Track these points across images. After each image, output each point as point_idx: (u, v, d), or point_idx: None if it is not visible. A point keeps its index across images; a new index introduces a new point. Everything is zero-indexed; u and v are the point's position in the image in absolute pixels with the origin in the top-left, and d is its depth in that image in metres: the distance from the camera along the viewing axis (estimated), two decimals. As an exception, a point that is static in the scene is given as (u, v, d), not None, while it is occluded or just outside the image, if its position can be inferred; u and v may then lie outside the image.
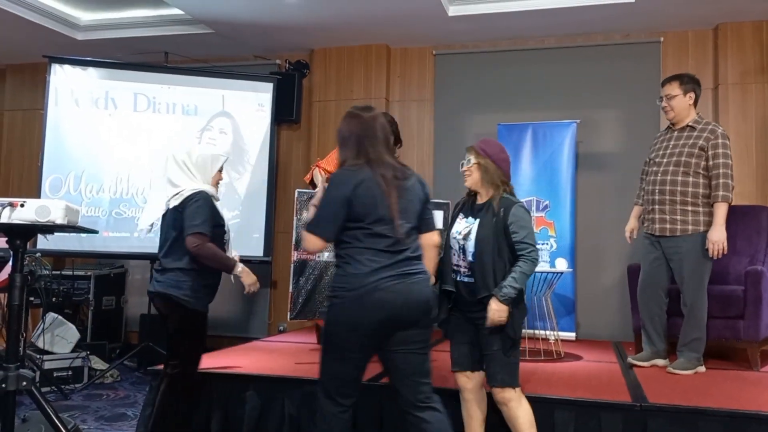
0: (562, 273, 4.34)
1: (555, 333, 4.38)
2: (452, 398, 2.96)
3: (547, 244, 5.00)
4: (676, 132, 3.84)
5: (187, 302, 2.82)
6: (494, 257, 2.60)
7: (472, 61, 5.84)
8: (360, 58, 5.94)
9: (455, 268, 2.75)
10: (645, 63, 5.39)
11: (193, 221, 2.77)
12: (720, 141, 3.67)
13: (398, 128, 4.21)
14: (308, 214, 2.48)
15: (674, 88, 3.80)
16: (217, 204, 2.98)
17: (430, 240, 2.52)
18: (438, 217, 4.22)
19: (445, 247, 2.81)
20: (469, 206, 2.80)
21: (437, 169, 5.82)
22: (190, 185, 2.89)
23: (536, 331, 4.39)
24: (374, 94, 5.83)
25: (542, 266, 4.39)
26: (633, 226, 4.09)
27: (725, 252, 3.63)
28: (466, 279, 2.70)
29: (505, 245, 2.61)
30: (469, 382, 2.79)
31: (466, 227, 2.72)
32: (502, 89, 5.71)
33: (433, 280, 2.58)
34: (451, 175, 5.78)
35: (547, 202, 5.21)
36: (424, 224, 2.50)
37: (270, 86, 5.70)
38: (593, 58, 5.53)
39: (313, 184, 4.32)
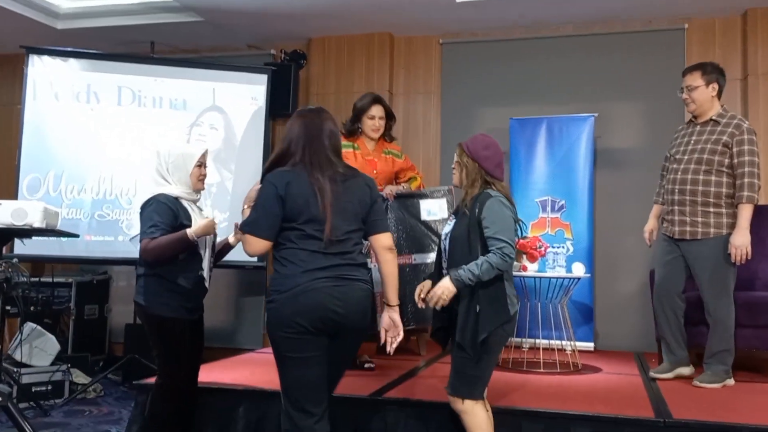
0: (579, 278, 4.34)
1: (572, 343, 4.38)
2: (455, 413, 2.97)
3: (563, 247, 4.98)
4: (698, 126, 3.82)
5: (147, 307, 2.93)
6: (464, 255, 2.63)
7: (481, 50, 5.83)
8: (361, 47, 5.94)
9: (444, 272, 2.79)
10: (668, 52, 5.38)
11: (143, 228, 2.89)
12: (746, 137, 3.65)
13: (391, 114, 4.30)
14: (243, 215, 2.53)
15: (696, 79, 3.77)
16: (188, 204, 3.02)
17: (378, 242, 2.54)
18: (442, 205, 4.23)
19: (437, 253, 2.90)
20: (459, 206, 2.85)
21: (444, 168, 5.81)
22: (158, 189, 2.97)
23: (552, 342, 4.38)
24: (377, 86, 5.83)
25: (558, 271, 4.39)
26: (652, 226, 4.08)
27: (749, 257, 3.62)
28: None
29: (477, 242, 2.63)
30: None
31: (449, 228, 2.81)
32: (514, 81, 5.70)
33: (393, 284, 2.55)
34: (459, 173, 5.77)
35: (562, 202, 5.20)
36: (370, 226, 2.53)
37: (264, 78, 5.70)
38: (612, 47, 5.52)
39: None
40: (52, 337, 4.82)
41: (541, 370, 4.11)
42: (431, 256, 4.10)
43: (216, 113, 5.61)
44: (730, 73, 5.21)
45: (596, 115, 5.26)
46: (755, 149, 3.66)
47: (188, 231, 2.87)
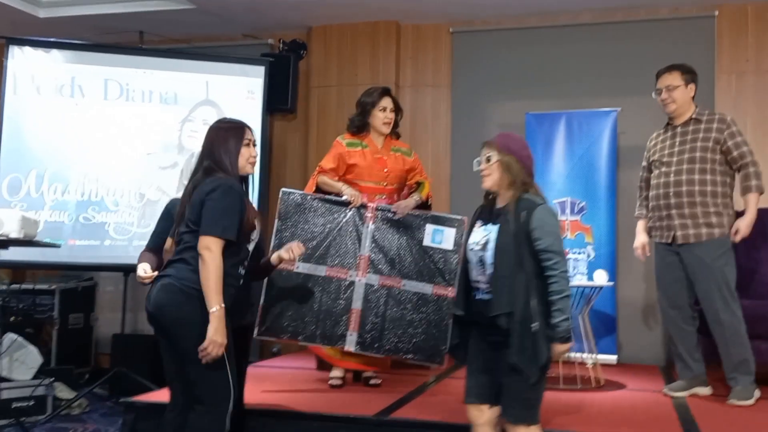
0: (601, 287, 4.28)
1: (593, 356, 4.32)
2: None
3: (583, 253, 4.92)
4: (678, 128, 3.92)
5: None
6: (514, 269, 2.56)
7: (495, 40, 5.78)
8: (365, 36, 5.90)
9: (474, 284, 2.71)
10: (697, 41, 5.31)
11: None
12: (735, 129, 3.79)
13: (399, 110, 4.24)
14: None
15: (676, 78, 3.88)
16: None
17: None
18: (449, 235, 3.93)
19: (462, 263, 2.80)
20: (487, 211, 2.77)
21: (455, 166, 5.76)
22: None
23: (572, 355, 4.32)
24: (382, 78, 5.77)
25: (579, 279, 4.33)
26: (644, 240, 4.12)
27: (745, 237, 3.75)
28: (485, 296, 2.65)
29: (527, 254, 2.56)
30: (481, 417, 2.72)
31: (484, 236, 2.69)
32: (530, 73, 5.65)
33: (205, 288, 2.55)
34: (470, 173, 5.68)
35: (583, 203, 5.15)
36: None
37: (261, 70, 5.65)
38: (636, 36, 5.46)
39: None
40: (34, 349, 4.79)
41: (561, 386, 4.06)
42: (424, 287, 3.87)
43: (209, 108, 5.56)
44: (765, 64, 5.19)
45: (619, 109, 5.20)
46: (745, 139, 3.81)
47: None
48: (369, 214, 3.95)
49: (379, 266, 3.90)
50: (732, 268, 3.77)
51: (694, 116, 3.88)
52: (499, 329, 2.59)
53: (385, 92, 4.16)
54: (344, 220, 3.93)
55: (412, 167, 4.23)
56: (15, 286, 5.34)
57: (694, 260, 3.76)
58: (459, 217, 3.97)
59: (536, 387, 2.59)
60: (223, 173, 2.67)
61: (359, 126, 4.14)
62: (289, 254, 2.95)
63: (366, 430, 3.26)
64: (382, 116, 4.10)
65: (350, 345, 3.83)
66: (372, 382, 4.06)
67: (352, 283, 3.89)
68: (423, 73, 5.93)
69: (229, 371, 2.58)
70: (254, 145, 2.83)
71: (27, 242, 2.48)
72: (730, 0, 5.24)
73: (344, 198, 3.94)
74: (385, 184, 4.11)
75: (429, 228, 3.95)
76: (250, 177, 2.87)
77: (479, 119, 5.74)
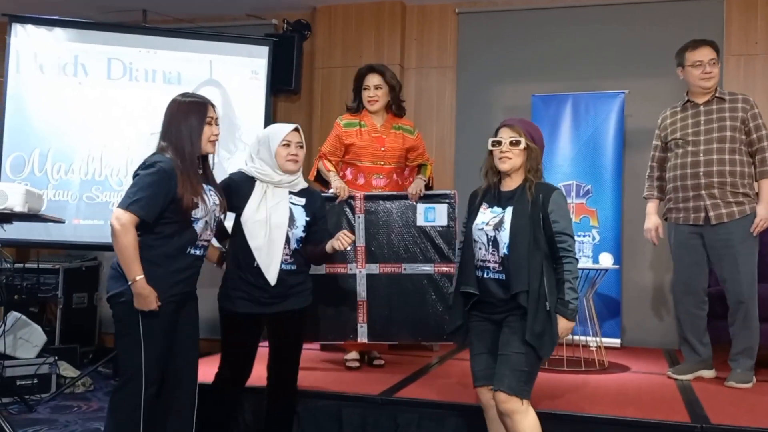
0: (606, 270, 4.27)
1: (597, 339, 4.32)
2: (474, 416, 2.92)
3: (588, 236, 4.91)
4: (702, 107, 3.84)
5: None
6: (531, 249, 2.64)
7: (501, 21, 5.73)
8: (370, 17, 5.85)
9: (481, 264, 2.75)
10: (705, 23, 5.26)
11: None
12: (757, 110, 3.77)
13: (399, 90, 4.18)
14: None
15: (713, 53, 3.82)
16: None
17: None
18: (441, 211, 3.95)
19: (464, 243, 2.83)
20: (493, 194, 2.81)
21: (459, 147, 5.75)
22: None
23: (576, 338, 4.32)
24: (387, 59, 5.73)
25: (584, 262, 4.32)
26: (657, 222, 4.06)
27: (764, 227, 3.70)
28: (496, 275, 2.71)
29: (542, 236, 2.67)
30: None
31: (493, 217, 2.74)
32: (536, 54, 5.61)
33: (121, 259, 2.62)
34: (475, 154, 5.67)
35: (588, 186, 5.12)
36: None
37: (265, 50, 5.60)
38: (644, 18, 5.41)
39: (320, 180, 4.20)
40: (38, 328, 4.80)
41: (565, 368, 4.05)
42: (424, 267, 3.92)
43: (213, 88, 5.53)
44: (774, 47, 5.14)
45: (626, 92, 5.16)
46: (765, 123, 3.79)
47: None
48: (358, 205, 3.94)
49: (377, 254, 3.91)
50: (756, 250, 3.74)
51: (717, 95, 3.82)
52: (504, 307, 2.67)
53: (370, 69, 4.10)
54: (335, 215, 3.90)
55: (413, 146, 4.16)
56: (19, 265, 5.34)
57: (722, 240, 3.70)
58: (449, 191, 4.01)
59: (537, 364, 2.66)
60: (174, 153, 2.66)
61: (353, 107, 4.14)
62: (339, 243, 2.93)
63: (370, 408, 3.26)
64: (366, 95, 4.07)
65: (362, 337, 3.89)
66: (376, 362, 4.07)
67: (353, 275, 3.92)
68: (428, 54, 5.89)
69: (143, 351, 2.58)
70: (216, 124, 2.80)
71: (32, 216, 2.45)
72: (740, -18, 5.19)
73: (330, 192, 3.92)
74: (382, 163, 4.07)
75: (420, 207, 3.95)
76: (211, 156, 2.84)
77: (485, 101, 5.71)
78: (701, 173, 3.75)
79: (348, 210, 3.95)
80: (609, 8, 5.48)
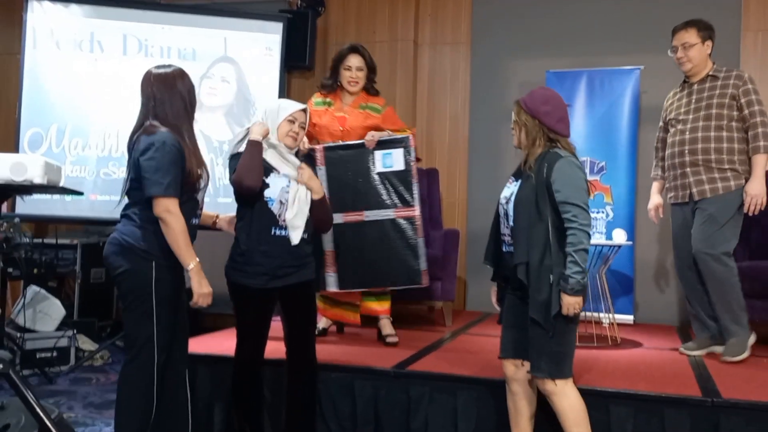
0: (619, 247, 4.26)
1: (610, 315, 4.32)
2: (498, 389, 2.94)
3: (602, 212, 4.90)
4: (695, 86, 3.83)
5: None
6: (532, 220, 2.58)
7: (516, -4, 5.68)
8: (384, -7, 5.81)
9: (502, 237, 2.76)
10: (723, -1, 5.19)
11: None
12: (750, 86, 3.69)
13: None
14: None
15: (692, 36, 3.77)
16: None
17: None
18: (398, 156, 3.89)
19: (494, 217, 2.82)
20: (519, 168, 2.77)
21: (473, 125, 5.72)
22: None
23: (589, 314, 4.32)
24: (400, 35, 5.72)
25: (597, 238, 4.31)
26: (658, 202, 4.06)
27: (763, 207, 3.64)
28: (509, 249, 2.70)
29: (546, 207, 2.57)
30: (518, 372, 2.76)
31: (510, 191, 2.73)
32: (551, 30, 5.56)
33: (175, 248, 2.59)
34: (489, 130, 5.69)
35: (603, 163, 5.10)
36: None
37: (279, 26, 5.62)
38: (661, -7, 5.34)
39: None
40: (57, 302, 4.87)
41: (577, 344, 4.03)
42: (386, 213, 3.88)
43: (227, 64, 5.55)
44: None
45: (642, 67, 5.11)
46: (760, 98, 3.69)
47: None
48: (319, 156, 3.90)
49: (340, 203, 3.85)
50: (739, 225, 3.69)
51: (711, 73, 3.78)
52: (522, 282, 2.61)
53: (353, 49, 4.04)
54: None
55: (376, 124, 4.04)
56: (38, 240, 5.40)
57: (705, 213, 3.67)
58: (404, 135, 3.94)
59: (561, 340, 2.58)
60: (164, 125, 2.64)
61: (327, 84, 4.10)
62: (300, 176, 2.95)
63: (383, 381, 3.28)
64: (347, 75, 4.02)
65: (332, 286, 3.88)
66: (389, 340, 4.04)
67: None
68: (442, 30, 5.85)
69: (155, 327, 2.59)
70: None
71: (51, 188, 2.48)
72: (759, -44, 5.11)
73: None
74: (341, 142, 3.98)
75: (378, 154, 3.91)
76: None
77: (499, 78, 5.68)
78: (686, 151, 3.75)
79: (309, 163, 3.90)
80: (625, -17, 5.42)
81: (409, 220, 3.85)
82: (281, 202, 2.91)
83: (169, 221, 2.55)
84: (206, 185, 2.79)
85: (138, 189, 2.61)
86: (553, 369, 2.59)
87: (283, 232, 2.91)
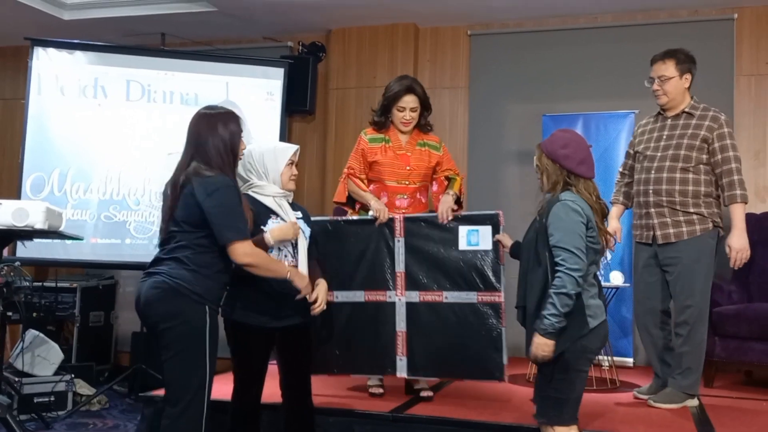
0: (617, 288, 4.28)
1: (609, 358, 4.32)
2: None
3: (600, 254, 4.92)
4: (669, 120, 3.70)
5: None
6: (531, 264, 2.61)
7: (513, 42, 5.80)
8: (384, 39, 5.94)
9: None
10: (716, 44, 5.30)
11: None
12: (725, 130, 3.56)
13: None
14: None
15: (669, 68, 3.65)
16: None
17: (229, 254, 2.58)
18: (485, 234, 3.50)
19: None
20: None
21: (472, 168, 5.78)
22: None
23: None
24: (400, 80, 5.80)
25: (594, 280, 4.33)
26: (615, 226, 3.80)
27: (747, 260, 3.54)
28: None
29: (545, 250, 2.58)
30: None
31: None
32: (548, 75, 5.66)
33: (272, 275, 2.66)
34: (488, 174, 5.75)
35: (600, 205, 5.13)
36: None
37: (281, 72, 5.71)
38: (655, 39, 5.40)
39: (351, 201, 3.89)
40: (56, 345, 4.86)
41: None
42: (468, 296, 3.50)
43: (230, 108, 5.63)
44: (784, 67, 5.16)
45: (637, 111, 5.18)
46: (735, 143, 3.58)
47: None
48: (398, 227, 3.62)
49: (418, 281, 3.57)
50: (711, 272, 3.60)
51: (686, 110, 3.64)
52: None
53: (408, 89, 3.76)
54: (375, 239, 3.64)
55: (439, 161, 3.89)
56: (37, 284, 5.41)
57: (672, 259, 3.58)
58: (493, 212, 3.55)
59: (559, 386, 2.56)
60: (217, 169, 2.58)
61: (379, 122, 3.86)
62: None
63: (381, 426, 3.28)
64: (400, 116, 3.79)
65: (401, 371, 3.55)
66: (423, 394, 3.76)
67: (392, 303, 3.59)
68: (441, 75, 5.96)
69: (208, 372, 2.53)
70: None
71: (52, 233, 2.53)
72: (750, 2, 5.23)
73: (370, 215, 3.66)
74: (407, 182, 3.80)
75: (462, 230, 3.55)
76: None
77: (497, 121, 5.76)
78: (651, 191, 3.63)
79: (387, 232, 3.63)
80: (620, 29, 5.53)
81: (493, 306, 3.45)
82: (279, 249, 2.93)
83: (254, 262, 2.57)
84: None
85: (188, 232, 2.56)
86: (552, 415, 2.58)
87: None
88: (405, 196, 3.80)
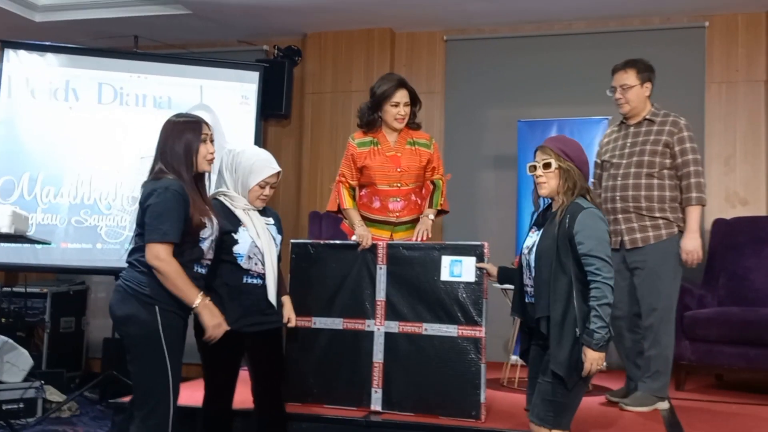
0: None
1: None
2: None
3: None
4: (631, 128, 3.79)
5: None
6: (554, 272, 2.56)
7: (488, 47, 5.85)
8: (360, 43, 5.96)
9: (525, 288, 2.75)
10: (687, 51, 5.39)
11: None
12: (686, 134, 3.65)
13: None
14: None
15: (630, 77, 3.74)
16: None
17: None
18: (469, 266, 3.39)
19: (518, 267, 2.83)
20: (541, 217, 2.79)
21: (448, 170, 5.77)
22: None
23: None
24: (375, 85, 5.82)
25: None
26: None
27: (700, 261, 3.63)
28: (532, 300, 2.69)
29: (569, 259, 2.56)
30: None
31: (532, 240, 2.72)
32: (523, 80, 5.71)
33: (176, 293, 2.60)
34: (464, 179, 5.77)
35: (574, 210, 5.17)
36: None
37: (256, 76, 5.71)
38: (628, 45, 5.50)
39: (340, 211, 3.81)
40: (25, 352, 4.80)
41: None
42: (448, 329, 3.40)
43: (204, 112, 5.54)
44: (755, 74, 5.25)
45: (610, 117, 5.23)
46: (696, 146, 3.67)
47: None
48: (381, 254, 3.54)
49: (398, 310, 3.47)
50: (678, 276, 3.68)
51: (648, 116, 3.73)
52: (542, 333, 2.61)
53: (400, 84, 3.68)
54: (357, 265, 3.56)
55: (430, 159, 3.78)
56: (6, 289, 5.36)
57: (639, 263, 3.64)
58: (478, 243, 3.44)
59: (569, 393, 2.57)
60: (173, 174, 2.65)
61: (369, 122, 3.72)
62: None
63: (355, 430, 3.28)
64: (394, 112, 3.65)
65: (376, 404, 3.46)
66: None
67: (371, 333, 3.51)
68: (417, 80, 5.94)
69: (170, 376, 2.54)
70: (212, 141, 2.80)
71: (18, 237, 2.50)
72: (721, 10, 5.32)
73: (353, 239, 3.59)
74: (399, 185, 3.68)
75: (445, 260, 3.44)
76: (207, 174, 2.85)
77: (472, 126, 5.80)
78: (618, 197, 3.70)
79: (370, 259, 3.55)
80: (594, 36, 5.61)
81: (474, 341, 3.34)
82: (249, 257, 2.93)
83: (159, 267, 2.54)
84: (214, 236, 2.76)
85: (141, 234, 2.62)
86: (553, 420, 2.59)
87: (255, 281, 2.94)
88: (398, 199, 3.70)
